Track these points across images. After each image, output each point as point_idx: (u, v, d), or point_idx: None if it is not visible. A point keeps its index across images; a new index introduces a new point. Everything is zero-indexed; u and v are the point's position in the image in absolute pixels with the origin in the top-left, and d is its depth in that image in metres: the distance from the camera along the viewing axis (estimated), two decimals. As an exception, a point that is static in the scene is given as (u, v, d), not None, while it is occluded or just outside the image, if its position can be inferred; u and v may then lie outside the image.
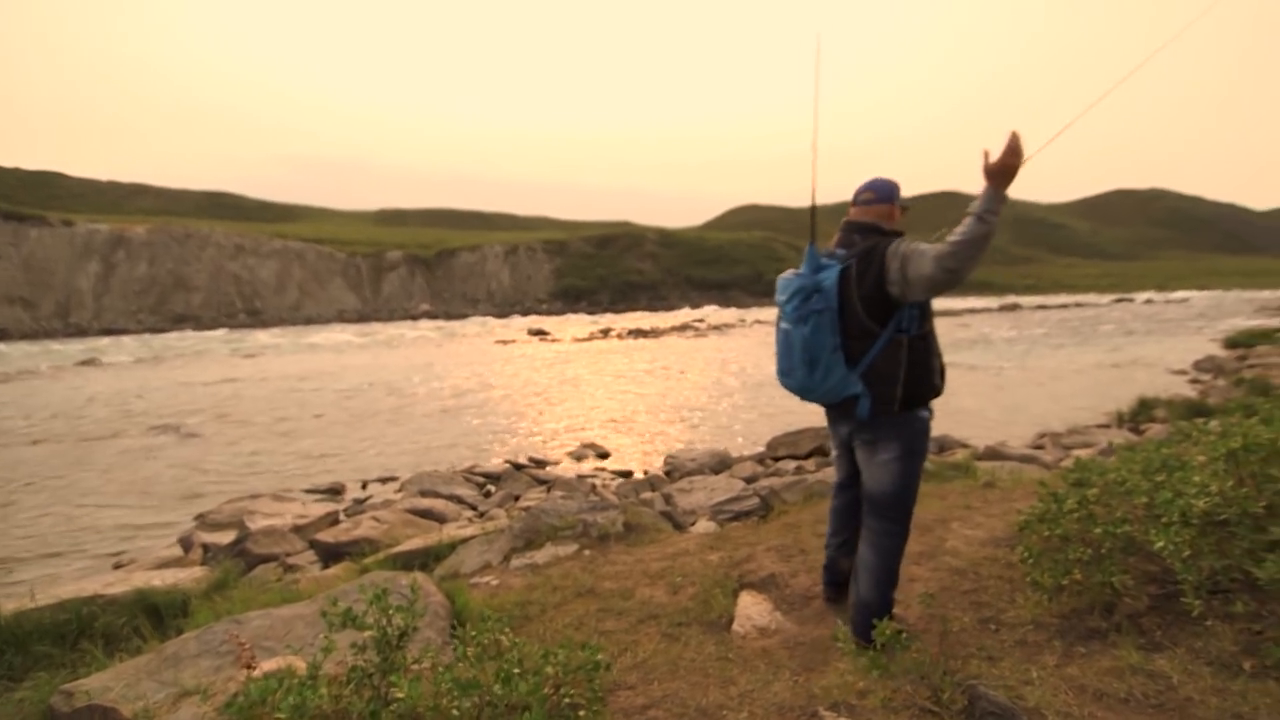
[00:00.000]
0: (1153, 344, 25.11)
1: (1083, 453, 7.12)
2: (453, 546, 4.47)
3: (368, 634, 2.02)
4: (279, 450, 10.45)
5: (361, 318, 61.05)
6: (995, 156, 2.03)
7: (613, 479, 7.65)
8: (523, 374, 19.88)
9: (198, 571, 4.27)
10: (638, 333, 35.65)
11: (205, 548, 5.29)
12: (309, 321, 57.84)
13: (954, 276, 2.10)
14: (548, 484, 6.92)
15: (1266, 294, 70.25)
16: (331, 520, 5.91)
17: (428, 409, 14.09)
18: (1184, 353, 20.58)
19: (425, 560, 4.29)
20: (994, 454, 7.25)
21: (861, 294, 2.26)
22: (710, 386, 16.49)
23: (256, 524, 5.41)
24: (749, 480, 6.25)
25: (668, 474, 7.37)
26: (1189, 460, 3.03)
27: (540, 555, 4.08)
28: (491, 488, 7.31)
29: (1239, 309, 45.42)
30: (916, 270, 2.17)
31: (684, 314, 55.33)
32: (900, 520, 2.45)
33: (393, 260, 69.77)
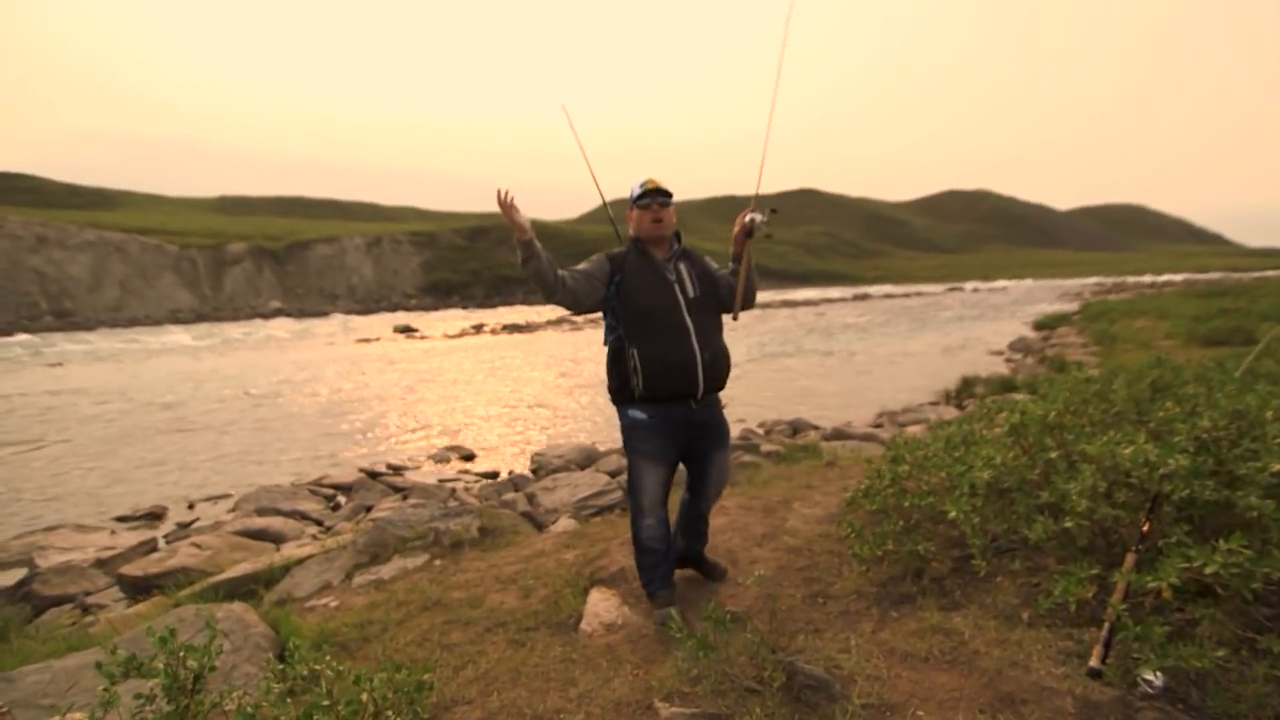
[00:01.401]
0: (977, 327, 28.29)
1: (914, 429, 7.86)
2: (287, 568, 4.11)
3: (154, 682, 1.81)
4: (87, 471, 9.15)
5: (200, 318, 54.83)
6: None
7: (476, 481, 7.40)
8: (385, 374, 18.80)
9: (-35, 624, 3.62)
10: (513, 328, 34.91)
11: (-19, 594, 4.49)
12: (134, 323, 51.11)
13: (540, 294, 2.52)
14: (404, 492, 6.56)
15: (1068, 283, 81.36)
16: (147, 549, 5.24)
17: (272, 417, 12.94)
18: (1002, 335, 23.38)
19: (254, 587, 3.91)
20: (840, 434, 7.82)
21: None
22: (583, 381, 16.48)
23: (49, 560, 4.67)
24: (613, 474, 6.29)
25: (534, 472, 7.25)
26: (983, 435, 3.41)
27: (386, 570, 3.86)
28: (342, 499, 6.79)
29: (1046, 296, 52.20)
30: None
31: (561, 309, 54.90)
32: (630, 500, 2.79)
33: (236, 253, 63.25)
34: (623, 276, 2.58)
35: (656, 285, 2.55)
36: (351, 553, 4.14)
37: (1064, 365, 11.64)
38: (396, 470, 8.01)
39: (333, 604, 3.57)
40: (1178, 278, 72.16)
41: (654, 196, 2.57)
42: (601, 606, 2.97)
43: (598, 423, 10.96)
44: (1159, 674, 2.02)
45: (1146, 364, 4.78)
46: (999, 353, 18.52)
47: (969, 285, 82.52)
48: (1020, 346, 18.70)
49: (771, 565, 3.30)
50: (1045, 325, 23.07)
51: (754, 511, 4.03)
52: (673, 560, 2.86)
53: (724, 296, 2.62)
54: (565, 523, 4.88)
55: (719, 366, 2.61)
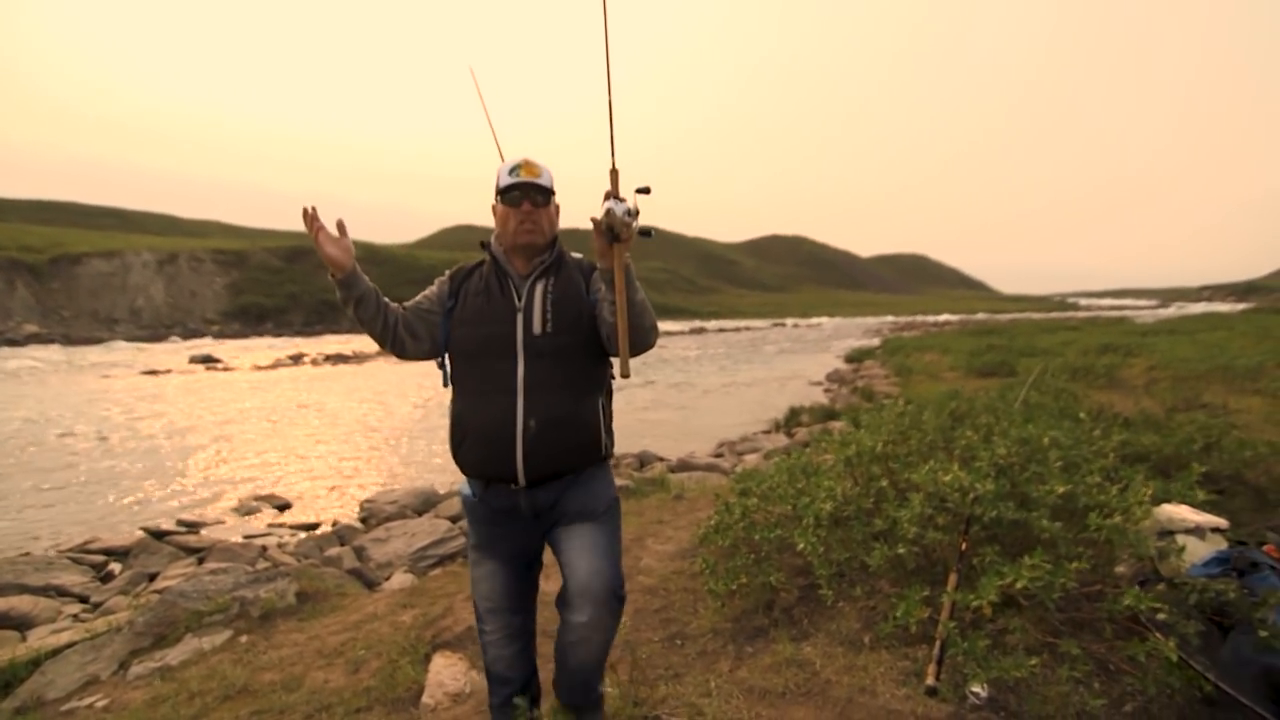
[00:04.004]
0: (799, 360, 30.96)
1: (751, 458, 8.28)
2: (37, 662, 3.30)
3: None
4: None
5: (-79, 344, 44.25)
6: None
7: (293, 536, 6.50)
8: (178, 413, 16.31)
9: None
10: (338, 358, 32.13)
11: None
12: None
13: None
14: (201, 554, 5.58)
15: (869, 320, 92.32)
16: None
17: (21, 466, 10.61)
18: (820, 366, 25.78)
19: (-15, 691, 3.08)
20: (685, 465, 8.02)
21: None
22: (418, 416, 15.51)
23: None
24: (455, 519, 5.87)
25: (363, 521, 6.56)
26: (820, 465, 3.63)
27: (175, 653, 3.23)
28: (115, 567, 5.59)
29: (853, 332, 58.65)
30: None
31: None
32: None
33: (-23, 266, 52.33)
34: (458, 301, 1.88)
35: (493, 314, 1.81)
36: (128, 635, 3.42)
37: (872, 395, 13.04)
38: (190, 527, 6.81)
39: (100, 704, 2.90)
40: (954, 318, 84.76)
41: (527, 191, 1.82)
42: (446, 674, 2.69)
43: (436, 463, 10.29)
44: (985, 686, 2.21)
45: (945, 395, 5.46)
46: (818, 383, 20.35)
47: (790, 321, 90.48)
48: (836, 378, 20.69)
49: (629, 609, 3.21)
50: (855, 358, 25.79)
51: (608, 552, 3.94)
52: (535, 696, 2.09)
53: (606, 334, 1.80)
54: (401, 578, 4.43)
55: (555, 440, 1.76)
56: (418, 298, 1.93)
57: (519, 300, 1.83)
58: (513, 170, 1.82)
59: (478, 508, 1.89)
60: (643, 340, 1.78)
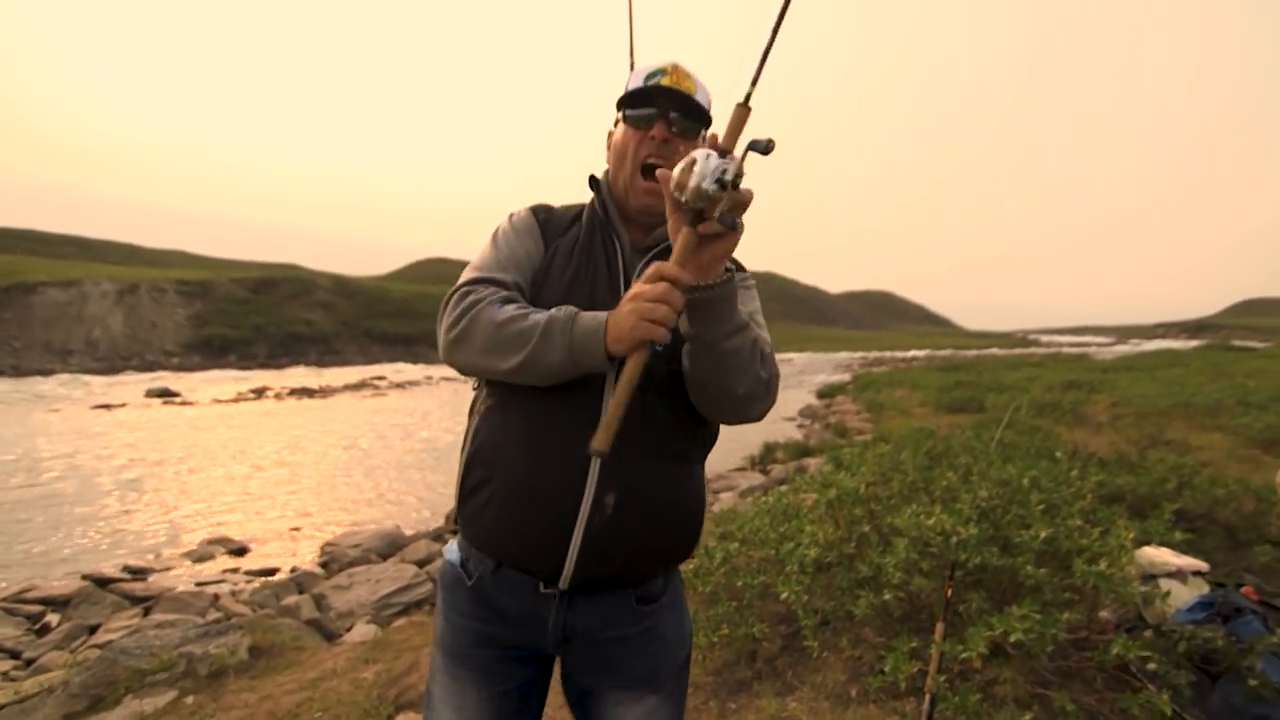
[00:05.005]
0: (771, 395, 31.09)
1: (726, 496, 8.19)
2: (-46, 731, 3.01)
3: None
4: None
5: None
6: None
7: (248, 582, 6.15)
8: (130, 449, 15.61)
9: None
10: (303, 392, 31.26)
11: None
12: None
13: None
14: (148, 603, 5.24)
15: (839, 355, 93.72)
16: None
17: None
18: (792, 402, 25.86)
19: (-110, 767, 2.78)
20: (659, 504, 7.87)
21: None
22: (387, 453, 15.11)
23: None
24: (422, 563, 5.63)
25: (324, 566, 6.25)
26: (801, 507, 3.56)
27: (114, 717, 2.98)
28: (53, 619, 5.20)
29: (824, 367, 59.28)
30: None
31: (362, 370, 50.85)
32: None
33: (-77, 296, 50.24)
34: (549, 259, 1.16)
35: (585, 296, 1.11)
36: (61, 697, 3.16)
37: (845, 431, 13.10)
38: (137, 574, 6.39)
39: (23, 779, 2.65)
40: (921, 354, 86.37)
41: (667, 107, 1.12)
42: (411, 738, 2.51)
43: (403, 504, 9.95)
44: (978, 745, 2.12)
45: (920, 434, 5.47)
46: (791, 419, 20.40)
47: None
48: (808, 414, 20.79)
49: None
50: (826, 394, 25.99)
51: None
52: None
53: (693, 395, 1.13)
54: (363, 629, 4.20)
55: (641, 530, 1.08)
56: (504, 255, 1.14)
57: (624, 284, 1.12)
58: (651, 75, 1.11)
59: (466, 597, 1.13)
60: (734, 409, 1.11)
